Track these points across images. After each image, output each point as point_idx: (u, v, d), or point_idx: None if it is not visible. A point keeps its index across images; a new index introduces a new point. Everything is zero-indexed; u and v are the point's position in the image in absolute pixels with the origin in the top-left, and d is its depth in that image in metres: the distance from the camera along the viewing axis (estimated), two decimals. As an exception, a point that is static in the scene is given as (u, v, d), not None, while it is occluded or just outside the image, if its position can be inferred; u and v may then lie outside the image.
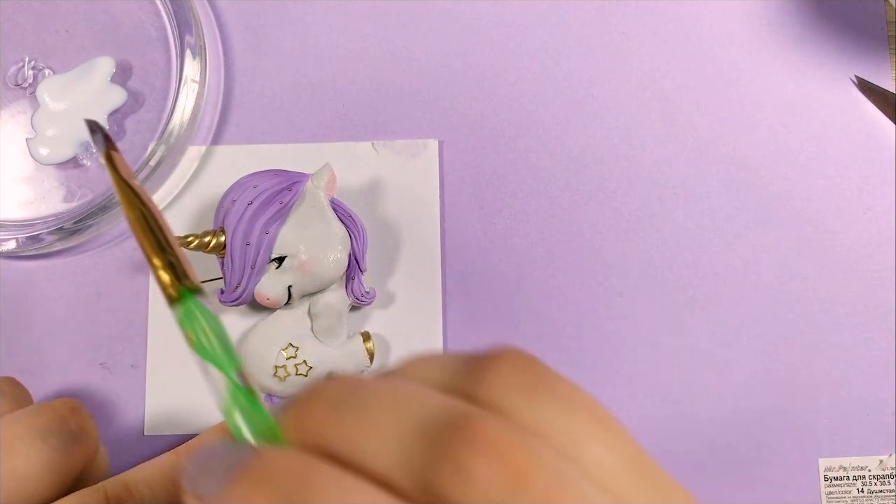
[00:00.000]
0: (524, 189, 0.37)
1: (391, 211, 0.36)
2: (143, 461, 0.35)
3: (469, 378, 0.16)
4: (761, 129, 0.37)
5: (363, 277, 0.34)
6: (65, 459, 0.25)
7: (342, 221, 0.33)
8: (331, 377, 0.17)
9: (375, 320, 0.35)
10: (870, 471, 0.35)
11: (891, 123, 0.36)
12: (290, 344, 0.33)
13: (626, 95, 0.37)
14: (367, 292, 0.34)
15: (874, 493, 0.35)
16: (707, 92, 0.37)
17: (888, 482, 0.35)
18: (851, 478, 0.35)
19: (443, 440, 0.15)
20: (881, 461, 0.35)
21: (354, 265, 0.33)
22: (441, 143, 0.37)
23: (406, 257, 0.36)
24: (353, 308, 0.35)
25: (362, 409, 0.16)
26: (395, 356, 0.35)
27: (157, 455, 0.35)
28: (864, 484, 0.35)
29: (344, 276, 0.33)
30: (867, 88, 0.36)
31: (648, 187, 0.36)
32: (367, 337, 0.34)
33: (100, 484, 0.25)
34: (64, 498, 0.24)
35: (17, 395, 0.28)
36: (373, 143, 0.37)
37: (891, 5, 0.37)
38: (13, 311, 0.36)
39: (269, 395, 0.34)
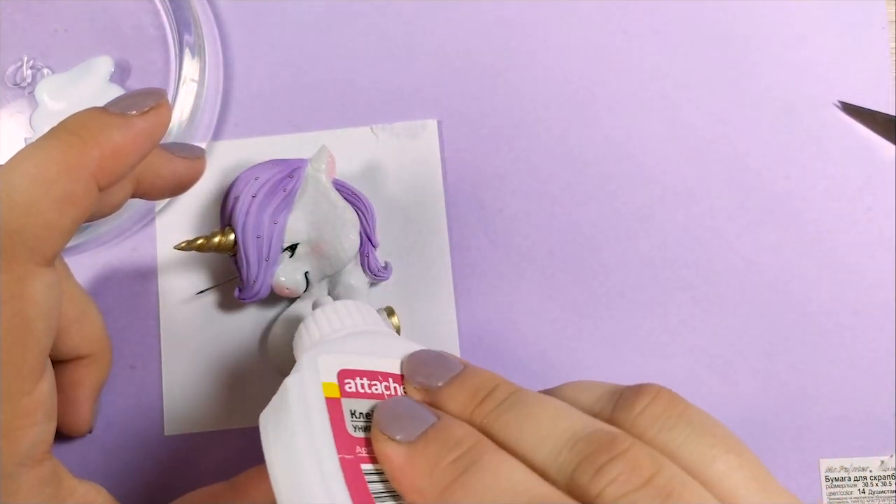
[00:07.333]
0: (524, 189, 0.36)
1: (395, 192, 0.36)
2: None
3: (617, 408, 0.21)
4: (762, 129, 0.37)
5: (376, 253, 0.34)
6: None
7: (348, 201, 0.33)
8: (493, 381, 0.22)
9: (394, 296, 0.36)
10: (871, 472, 0.35)
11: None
12: None
13: (626, 95, 0.37)
14: (384, 267, 0.34)
15: (875, 494, 0.34)
16: (707, 91, 0.37)
17: (889, 483, 0.35)
18: (852, 479, 0.35)
19: (589, 449, 0.19)
20: (882, 462, 0.35)
21: (367, 242, 0.34)
22: (440, 123, 0.37)
23: (413, 236, 0.36)
24: (372, 285, 0.35)
25: (527, 415, 0.20)
26: (419, 328, 0.36)
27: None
28: (865, 485, 0.35)
29: (358, 255, 0.34)
30: (852, 111, 0.36)
31: (649, 187, 0.36)
32: (391, 312, 0.34)
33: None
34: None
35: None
36: (371, 128, 0.37)
37: (891, 5, 0.37)
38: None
39: None
